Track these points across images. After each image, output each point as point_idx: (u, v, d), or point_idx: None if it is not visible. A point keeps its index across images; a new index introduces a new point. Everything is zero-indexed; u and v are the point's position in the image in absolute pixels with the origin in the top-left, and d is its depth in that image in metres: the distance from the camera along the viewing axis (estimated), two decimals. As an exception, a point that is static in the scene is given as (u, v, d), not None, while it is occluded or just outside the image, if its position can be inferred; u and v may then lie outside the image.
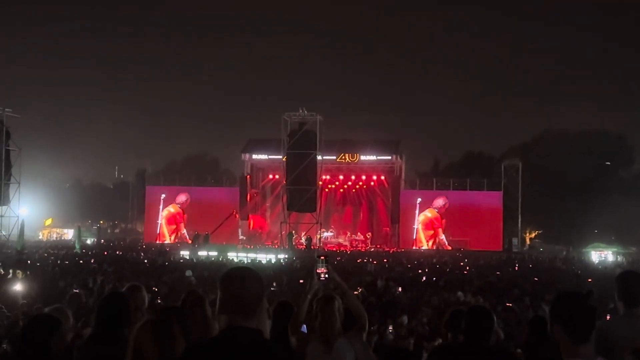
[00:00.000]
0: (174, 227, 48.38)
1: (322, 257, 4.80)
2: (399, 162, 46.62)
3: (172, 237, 47.77)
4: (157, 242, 44.69)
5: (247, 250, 34.01)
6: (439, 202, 45.28)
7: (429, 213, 45.40)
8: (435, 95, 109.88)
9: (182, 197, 48.47)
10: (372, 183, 48.40)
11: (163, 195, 47.91)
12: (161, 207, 47.89)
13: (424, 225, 45.31)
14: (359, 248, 43.31)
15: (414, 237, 44.81)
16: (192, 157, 70.75)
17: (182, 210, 48.42)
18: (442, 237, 44.69)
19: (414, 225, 44.87)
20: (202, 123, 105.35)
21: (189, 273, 17.50)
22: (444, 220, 44.89)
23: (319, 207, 42.42)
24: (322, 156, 41.65)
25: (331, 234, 46.37)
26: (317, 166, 41.29)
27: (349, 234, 46.88)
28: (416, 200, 45.00)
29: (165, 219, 48.53)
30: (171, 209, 48.66)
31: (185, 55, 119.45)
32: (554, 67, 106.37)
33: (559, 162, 50.19)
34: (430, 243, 45.07)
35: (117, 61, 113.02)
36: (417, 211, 44.93)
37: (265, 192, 50.27)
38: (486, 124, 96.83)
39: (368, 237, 46.64)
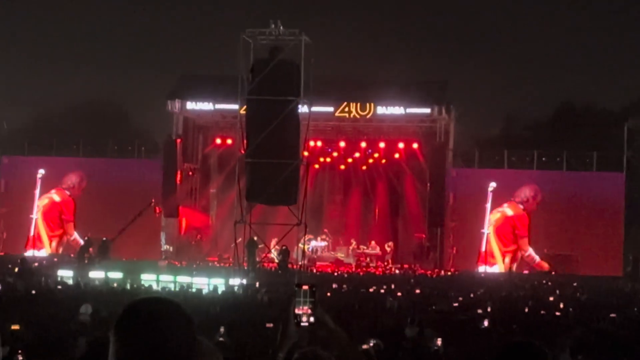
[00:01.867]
0: (59, 231, 48.88)
1: (306, 287, 4.85)
2: (444, 118, 46.77)
3: (55, 245, 48.25)
4: (28, 253, 44.96)
5: (175, 270, 34.75)
6: (526, 192, 46.07)
7: (508, 209, 46.20)
8: (507, 13, 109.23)
9: (72, 178, 48.95)
10: (396, 155, 48.50)
11: (41, 172, 48.22)
12: (37, 192, 48.33)
13: (498, 231, 46.25)
14: (373, 269, 43.73)
15: (483, 250, 45.54)
16: (80, 108, 70.26)
17: (73, 199, 48.91)
18: (530, 251, 45.52)
19: (482, 229, 45.62)
20: (99, 48, 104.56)
21: (86, 309, 17.40)
22: (529, 225, 45.61)
23: (303, 197, 40.84)
24: (309, 107, 41.36)
25: (324, 243, 46.91)
26: (299, 124, 40.65)
27: (354, 243, 47.37)
28: (486, 186, 45.54)
29: (43, 213, 48.97)
30: (55, 196, 49.15)
31: None
32: None
33: None
34: (508, 260, 45.73)
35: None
36: (488, 204, 45.71)
37: (208, 169, 50.49)
38: (595, 60, 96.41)
39: (388, 249, 47.26)
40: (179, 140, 48.18)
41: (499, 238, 45.98)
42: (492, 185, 45.24)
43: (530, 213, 45.69)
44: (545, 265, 44.70)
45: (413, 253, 47.68)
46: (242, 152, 41.07)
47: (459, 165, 47.33)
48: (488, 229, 45.87)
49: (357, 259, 46.31)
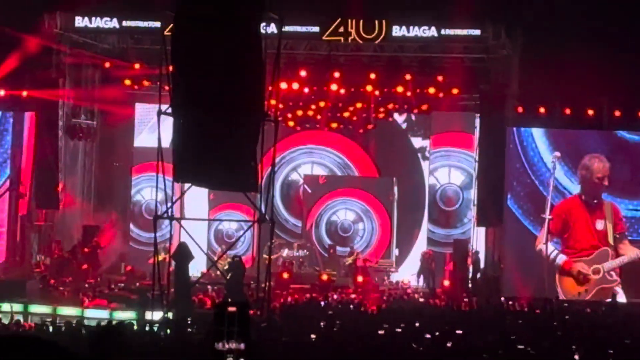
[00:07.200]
0: None
1: (232, 309, 6.05)
2: (503, 45, 38.52)
3: None
4: None
5: (55, 298, 30.88)
6: (595, 165, 38.03)
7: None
8: None
9: None
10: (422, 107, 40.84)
11: None
12: None
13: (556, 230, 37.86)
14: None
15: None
16: None
17: None
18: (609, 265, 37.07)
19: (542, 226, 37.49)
20: None
21: None
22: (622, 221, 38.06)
23: (270, 176, 32.15)
24: (279, 26, 33.05)
25: (300, 253, 40.19)
26: (262, 54, 30.42)
27: (355, 254, 40.10)
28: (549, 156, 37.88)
29: None
30: None
31: None
32: None
33: None
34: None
35: None
36: (550, 184, 38.19)
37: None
38: None
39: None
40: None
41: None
42: (555, 154, 37.35)
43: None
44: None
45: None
46: (169, 90, 30.63)
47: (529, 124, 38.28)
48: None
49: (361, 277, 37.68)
